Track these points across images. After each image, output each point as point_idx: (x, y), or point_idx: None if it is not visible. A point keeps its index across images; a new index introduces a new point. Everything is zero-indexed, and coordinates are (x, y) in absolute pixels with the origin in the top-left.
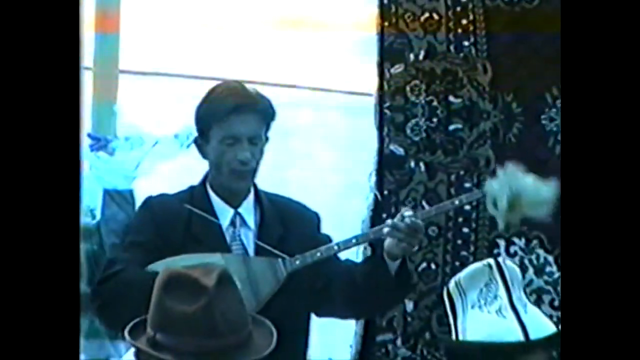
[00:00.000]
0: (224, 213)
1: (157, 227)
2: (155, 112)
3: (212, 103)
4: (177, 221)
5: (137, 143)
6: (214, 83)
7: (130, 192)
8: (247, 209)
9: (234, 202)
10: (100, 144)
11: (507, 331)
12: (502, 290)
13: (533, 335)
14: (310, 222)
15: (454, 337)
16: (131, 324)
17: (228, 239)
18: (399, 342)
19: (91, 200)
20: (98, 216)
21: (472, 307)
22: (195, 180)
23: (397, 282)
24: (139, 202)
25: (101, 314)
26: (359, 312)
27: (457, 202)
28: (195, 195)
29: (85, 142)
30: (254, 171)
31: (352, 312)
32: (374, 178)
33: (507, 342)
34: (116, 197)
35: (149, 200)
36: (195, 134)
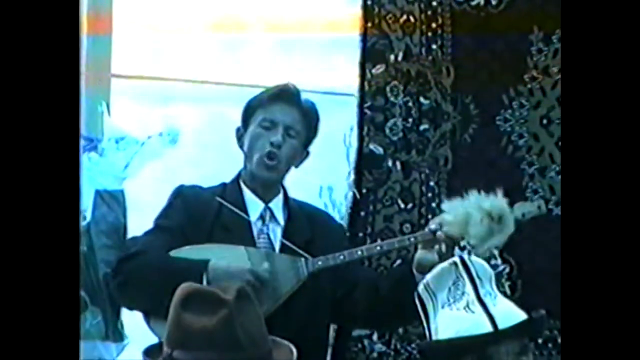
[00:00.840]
0: (255, 206)
1: (187, 213)
2: (143, 114)
3: (261, 93)
4: (208, 210)
5: (126, 144)
6: (198, 85)
7: (121, 192)
8: (277, 206)
9: (265, 197)
10: (92, 145)
11: (476, 325)
12: (468, 287)
13: (502, 325)
14: (338, 231)
15: (427, 338)
16: (147, 346)
17: (255, 232)
18: (374, 337)
19: (83, 201)
20: (88, 217)
21: (443, 306)
22: (183, 180)
23: None
24: (128, 203)
25: (121, 291)
26: (379, 324)
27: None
28: (228, 188)
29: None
30: (283, 164)
31: (372, 324)
32: (352, 177)
33: (475, 335)
34: (106, 198)
35: (181, 188)
36: (179, 131)
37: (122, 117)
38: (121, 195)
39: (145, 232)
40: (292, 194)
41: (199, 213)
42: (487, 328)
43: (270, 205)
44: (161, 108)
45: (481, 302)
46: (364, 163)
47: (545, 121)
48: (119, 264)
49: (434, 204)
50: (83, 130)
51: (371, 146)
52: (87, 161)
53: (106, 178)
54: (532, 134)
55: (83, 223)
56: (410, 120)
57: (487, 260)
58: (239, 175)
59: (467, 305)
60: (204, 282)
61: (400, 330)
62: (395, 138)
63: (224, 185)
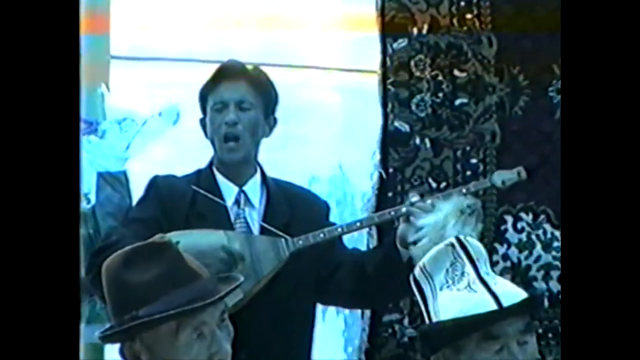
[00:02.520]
0: (229, 191)
1: (161, 204)
2: (143, 95)
3: (208, 79)
4: (183, 199)
5: (127, 125)
6: (201, 65)
7: (124, 173)
8: (253, 188)
9: (238, 180)
10: (91, 128)
11: (480, 303)
12: (468, 267)
13: (506, 303)
14: (319, 210)
15: (427, 321)
16: (101, 331)
17: (232, 217)
18: (405, 322)
19: (85, 184)
20: (93, 200)
21: (441, 288)
22: (184, 159)
23: (410, 271)
24: (133, 183)
25: (95, 286)
26: (367, 302)
27: (464, 190)
28: (202, 175)
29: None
30: (246, 141)
31: (360, 302)
32: (378, 156)
33: (481, 314)
34: (110, 180)
35: (155, 179)
36: (179, 110)
37: (123, 99)
38: (124, 176)
39: (119, 225)
40: (315, 174)
41: (173, 203)
42: (492, 306)
43: (245, 188)
44: (161, 90)
45: (482, 281)
46: (390, 141)
47: None
48: (91, 259)
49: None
50: (82, 113)
51: (396, 123)
52: (87, 144)
53: (108, 160)
54: None
55: (87, 206)
56: (441, 95)
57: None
58: (211, 162)
59: (469, 285)
60: None
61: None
62: (422, 114)
63: (198, 172)
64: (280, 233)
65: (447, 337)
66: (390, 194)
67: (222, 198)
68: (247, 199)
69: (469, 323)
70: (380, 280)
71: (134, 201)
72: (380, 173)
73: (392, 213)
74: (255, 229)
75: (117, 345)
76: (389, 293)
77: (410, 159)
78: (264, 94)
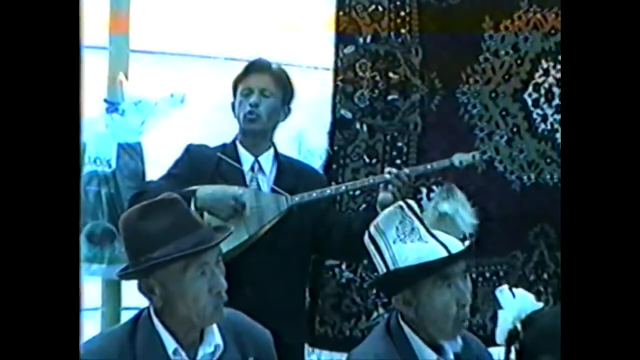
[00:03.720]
0: (246, 160)
1: (192, 166)
2: (157, 82)
3: (241, 70)
4: (209, 163)
5: (142, 105)
6: (202, 60)
7: (139, 144)
8: (266, 159)
9: (255, 152)
10: (114, 107)
11: (433, 251)
12: (417, 223)
13: (453, 250)
14: (319, 181)
15: (383, 270)
16: (119, 273)
17: (247, 180)
18: (343, 266)
19: (108, 152)
20: (114, 165)
21: (394, 242)
22: (186, 135)
23: None
24: (146, 153)
25: None
26: (354, 256)
27: (429, 166)
28: (227, 147)
29: (102, 106)
30: (264, 117)
31: (349, 255)
32: (326, 136)
33: (436, 259)
34: (127, 149)
35: (189, 147)
36: (185, 94)
37: (140, 85)
38: (139, 147)
39: (159, 178)
40: (283, 148)
41: (201, 165)
42: (443, 253)
43: (260, 158)
44: (173, 77)
45: (431, 234)
46: (337, 125)
47: (493, 94)
48: (132, 199)
49: (398, 161)
50: (107, 96)
51: (342, 112)
52: (110, 120)
53: (126, 133)
54: (484, 105)
55: (109, 170)
56: (377, 91)
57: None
58: (235, 138)
59: (420, 238)
60: (192, 206)
61: (365, 261)
62: (362, 105)
63: (224, 145)
64: (285, 194)
65: (411, 280)
66: (334, 166)
67: (240, 164)
68: (260, 167)
69: (428, 267)
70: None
71: (147, 167)
72: (328, 150)
73: (371, 181)
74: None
75: (133, 282)
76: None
77: (351, 140)
78: (283, 87)
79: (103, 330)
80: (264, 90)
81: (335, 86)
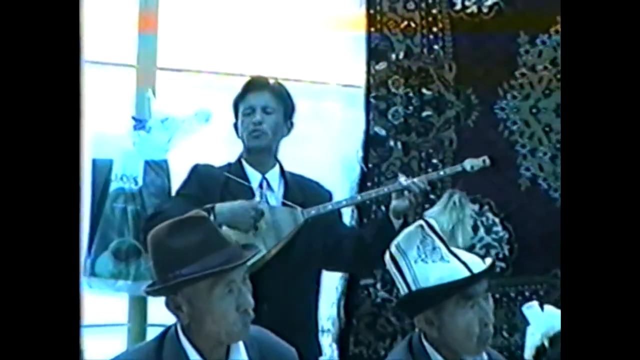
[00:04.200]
0: (254, 178)
1: (201, 185)
2: (183, 101)
3: (239, 90)
4: (218, 182)
5: (169, 123)
6: (226, 77)
7: (165, 161)
8: (273, 176)
9: (262, 169)
10: (141, 124)
11: (455, 271)
12: (438, 242)
13: (475, 270)
14: (325, 196)
15: (405, 290)
16: (147, 289)
17: (257, 197)
18: (378, 285)
19: (134, 170)
20: (140, 182)
21: (415, 262)
22: (213, 152)
23: None
24: (172, 170)
25: (145, 246)
26: (366, 266)
27: (442, 172)
28: (233, 166)
29: (130, 123)
30: (268, 134)
31: (360, 267)
32: (360, 154)
33: (458, 279)
34: (154, 167)
35: (196, 166)
36: (210, 112)
37: (166, 102)
38: (165, 164)
39: (170, 199)
40: (313, 167)
41: (210, 184)
42: (465, 272)
43: (267, 175)
44: (199, 95)
45: (452, 253)
46: (370, 143)
47: (534, 110)
48: (145, 224)
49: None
50: (135, 113)
51: (375, 129)
52: (137, 137)
53: (153, 151)
54: (524, 121)
55: (135, 187)
56: (411, 107)
57: (491, 228)
58: (240, 156)
59: (442, 257)
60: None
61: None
62: (396, 122)
63: (229, 164)
64: (297, 206)
65: (433, 300)
66: (369, 184)
67: (248, 182)
68: (268, 184)
69: (451, 287)
70: (377, 247)
71: (173, 184)
72: (362, 167)
73: (386, 189)
74: None
75: (159, 298)
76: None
77: (385, 157)
78: (284, 102)
79: (129, 346)
80: (266, 107)
81: (368, 103)
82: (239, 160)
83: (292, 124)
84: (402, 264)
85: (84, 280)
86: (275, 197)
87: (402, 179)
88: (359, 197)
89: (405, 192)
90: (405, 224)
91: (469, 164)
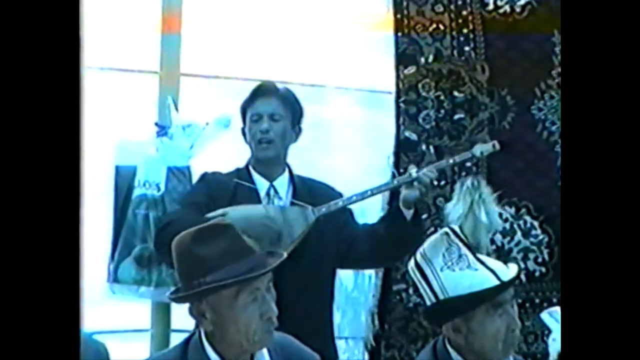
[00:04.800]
0: (262, 185)
1: (209, 193)
2: (205, 106)
3: (247, 96)
4: (226, 190)
5: (191, 129)
6: (248, 83)
7: (188, 168)
8: (281, 184)
9: (270, 177)
10: (164, 131)
11: (484, 279)
12: (464, 250)
13: (503, 278)
14: (335, 198)
15: (432, 299)
16: (171, 296)
17: (264, 204)
18: (410, 290)
19: (157, 176)
20: (162, 189)
21: (442, 270)
22: (232, 158)
23: (413, 227)
24: (195, 176)
25: (160, 255)
26: (382, 259)
27: (451, 160)
28: (240, 172)
29: (152, 129)
30: (277, 143)
31: (376, 261)
32: (392, 159)
33: (489, 288)
34: (176, 173)
35: (205, 174)
36: (230, 117)
37: (189, 108)
38: (188, 171)
39: (179, 208)
40: (343, 172)
41: (219, 192)
42: (493, 280)
43: (275, 183)
44: (221, 101)
45: (480, 261)
46: (401, 148)
47: None
48: (157, 234)
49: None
50: (158, 119)
51: (406, 133)
52: (160, 144)
53: (176, 157)
54: None
55: (158, 194)
56: (443, 111)
57: (529, 231)
58: (248, 163)
59: (469, 265)
60: None
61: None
62: (427, 126)
63: (237, 170)
64: (306, 205)
65: (464, 309)
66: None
67: (256, 189)
68: (276, 192)
69: (482, 296)
70: (392, 238)
71: None
72: (394, 173)
73: (396, 182)
74: None
75: (182, 304)
76: (399, 250)
77: (417, 162)
78: (292, 108)
79: (152, 352)
80: (273, 114)
81: (398, 108)
82: (246, 167)
83: (300, 129)
84: (428, 271)
85: (107, 286)
86: (284, 204)
87: (413, 170)
88: (369, 192)
89: (416, 183)
90: (416, 214)
91: (478, 149)
